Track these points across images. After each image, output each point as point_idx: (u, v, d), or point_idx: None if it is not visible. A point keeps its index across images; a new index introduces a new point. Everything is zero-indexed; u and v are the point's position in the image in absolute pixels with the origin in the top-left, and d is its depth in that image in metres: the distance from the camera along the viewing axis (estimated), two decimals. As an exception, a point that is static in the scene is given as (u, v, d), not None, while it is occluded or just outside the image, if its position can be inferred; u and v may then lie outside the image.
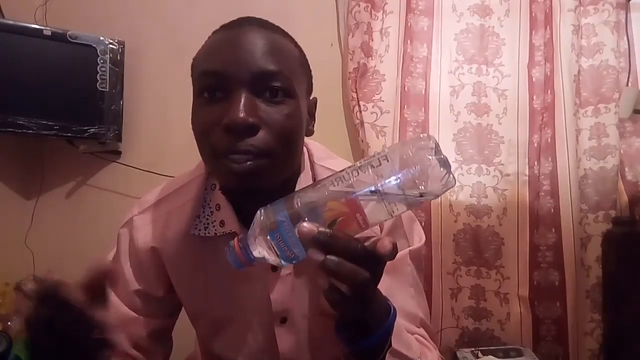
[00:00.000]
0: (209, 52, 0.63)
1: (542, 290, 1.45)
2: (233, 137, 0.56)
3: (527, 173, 1.48)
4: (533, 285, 1.46)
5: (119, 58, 1.43)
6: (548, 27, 1.48)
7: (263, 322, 0.73)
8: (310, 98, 0.70)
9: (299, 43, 0.68)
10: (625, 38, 1.47)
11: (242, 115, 0.56)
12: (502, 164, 1.49)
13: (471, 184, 1.49)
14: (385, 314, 0.56)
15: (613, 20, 1.45)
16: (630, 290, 1.34)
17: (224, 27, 0.66)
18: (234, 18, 0.68)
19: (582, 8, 1.47)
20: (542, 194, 1.45)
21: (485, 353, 1.33)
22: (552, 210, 1.44)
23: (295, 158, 0.66)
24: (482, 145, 1.50)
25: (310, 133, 0.69)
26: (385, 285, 0.54)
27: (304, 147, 0.73)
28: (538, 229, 1.46)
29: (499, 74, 1.51)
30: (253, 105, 0.58)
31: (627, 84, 1.46)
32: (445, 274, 1.49)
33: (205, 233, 0.69)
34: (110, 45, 1.41)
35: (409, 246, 0.73)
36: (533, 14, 1.51)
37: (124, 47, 1.44)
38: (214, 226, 0.69)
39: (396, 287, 0.68)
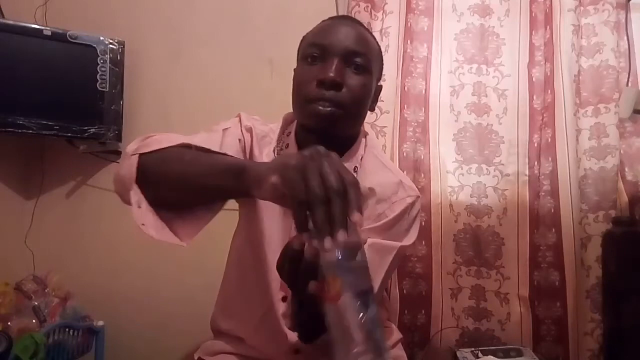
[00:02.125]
0: (319, 30, 0.87)
1: (542, 290, 1.45)
2: (323, 88, 0.79)
3: (527, 173, 1.48)
4: (533, 285, 1.46)
5: (119, 58, 1.43)
6: (548, 27, 1.48)
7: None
8: (379, 84, 0.92)
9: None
10: (625, 38, 1.47)
11: (332, 74, 0.79)
12: (502, 164, 1.49)
13: (471, 184, 1.49)
14: None
15: (613, 20, 1.45)
16: (630, 290, 1.34)
17: (329, 18, 0.91)
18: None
19: (582, 8, 1.47)
20: (542, 194, 1.45)
21: (485, 353, 1.33)
22: (552, 210, 1.44)
23: (359, 121, 0.90)
24: (482, 145, 1.50)
25: (372, 109, 0.94)
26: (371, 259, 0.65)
27: (364, 137, 0.94)
28: (538, 229, 1.46)
29: (499, 74, 1.51)
30: (342, 70, 0.81)
31: (627, 84, 1.46)
32: (446, 274, 1.49)
33: None
34: (110, 45, 1.41)
35: (402, 242, 0.85)
36: (533, 14, 1.51)
37: (124, 47, 1.43)
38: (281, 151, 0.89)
39: (376, 268, 0.79)
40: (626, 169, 1.47)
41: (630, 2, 1.48)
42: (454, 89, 1.51)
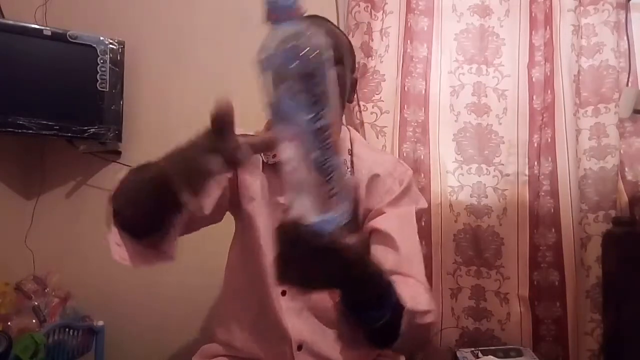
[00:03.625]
0: None
1: (542, 290, 1.45)
2: None
3: (527, 173, 1.48)
4: (533, 285, 1.46)
5: (119, 58, 1.42)
6: (548, 27, 1.48)
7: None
8: (354, 76, 0.95)
9: None
10: (625, 38, 1.47)
11: None
12: (502, 164, 1.49)
13: (471, 184, 1.49)
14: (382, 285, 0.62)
15: (613, 20, 1.45)
16: (630, 290, 1.34)
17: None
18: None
19: (582, 8, 1.47)
20: (542, 194, 1.45)
21: (485, 353, 1.33)
22: (552, 210, 1.44)
23: (337, 113, 0.89)
24: (482, 145, 1.50)
25: (350, 101, 0.96)
26: (394, 225, 0.82)
27: (349, 131, 0.98)
28: (538, 229, 1.46)
29: (499, 74, 1.51)
30: None
31: (627, 84, 1.46)
32: (445, 274, 1.49)
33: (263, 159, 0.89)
34: (110, 45, 1.41)
35: (418, 206, 0.92)
36: (533, 14, 1.51)
37: (124, 47, 1.43)
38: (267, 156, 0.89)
39: (404, 231, 0.85)
40: (626, 169, 1.47)
41: (630, 2, 1.48)
42: (454, 89, 1.51)
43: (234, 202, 0.89)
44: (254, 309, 0.88)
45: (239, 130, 0.86)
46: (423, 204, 0.95)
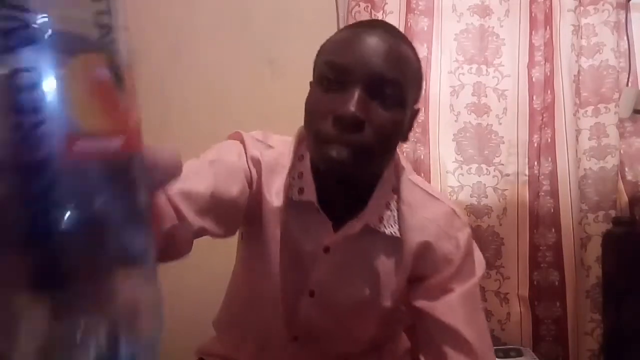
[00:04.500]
0: (337, 44, 0.67)
1: (542, 290, 1.45)
2: (340, 128, 0.61)
3: (527, 173, 1.48)
4: (533, 285, 1.46)
5: (119, 58, 1.42)
6: (548, 27, 1.48)
7: (290, 290, 0.76)
8: (415, 107, 0.73)
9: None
10: (625, 38, 1.47)
11: (352, 109, 0.60)
12: (502, 164, 1.49)
13: (471, 184, 1.49)
14: None
15: (613, 20, 1.45)
16: (630, 290, 1.34)
17: (356, 25, 0.72)
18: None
19: (582, 8, 1.47)
20: (542, 194, 1.45)
21: (485, 353, 1.33)
22: (552, 210, 1.44)
23: (387, 158, 0.72)
24: (482, 145, 1.50)
25: (405, 140, 0.74)
26: (462, 317, 0.70)
27: (395, 164, 0.77)
28: (538, 229, 1.46)
29: (499, 74, 1.51)
30: (365, 103, 0.61)
31: (627, 84, 1.46)
32: (445, 274, 1.49)
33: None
34: (110, 45, 1.41)
35: (477, 274, 0.77)
36: (533, 14, 1.51)
37: (124, 47, 1.43)
38: (293, 191, 0.74)
39: (472, 316, 0.74)
40: (626, 169, 1.47)
41: (630, 2, 1.48)
42: (454, 89, 1.51)
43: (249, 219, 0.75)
44: (256, 340, 0.84)
45: (257, 142, 0.76)
46: (483, 267, 0.79)
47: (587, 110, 1.47)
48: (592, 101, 1.47)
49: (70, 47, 0.19)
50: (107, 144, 0.21)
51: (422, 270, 0.75)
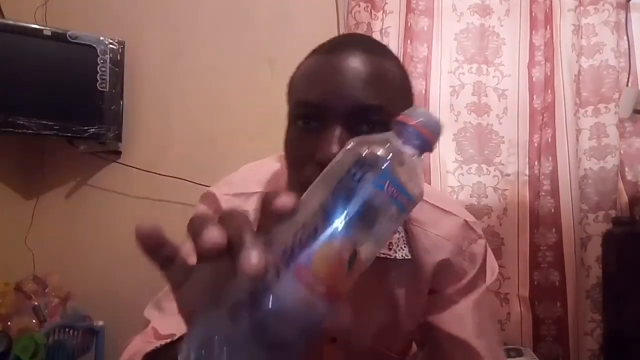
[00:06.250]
0: (307, 79, 0.59)
1: (542, 290, 1.45)
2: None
3: (527, 173, 1.48)
4: (533, 285, 1.46)
5: (119, 58, 1.42)
6: (548, 27, 1.48)
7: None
8: None
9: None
10: (625, 38, 1.47)
11: (335, 151, 0.50)
12: (502, 164, 1.49)
13: (471, 184, 1.49)
14: None
15: (613, 20, 1.45)
16: (630, 290, 1.34)
17: (325, 50, 0.60)
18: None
19: (582, 8, 1.47)
20: (542, 194, 1.45)
21: (485, 353, 1.33)
22: (552, 210, 1.44)
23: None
24: (482, 145, 1.50)
25: None
26: (471, 328, 0.67)
27: None
28: (538, 229, 1.45)
29: (499, 73, 1.51)
30: (347, 138, 0.53)
31: (627, 84, 1.46)
32: (446, 274, 1.49)
33: None
34: (110, 45, 1.41)
35: (487, 282, 0.75)
36: (533, 14, 1.51)
37: (124, 47, 1.43)
38: None
39: (482, 323, 0.71)
40: (626, 169, 1.47)
41: (630, 2, 1.48)
42: (454, 89, 1.51)
43: None
44: None
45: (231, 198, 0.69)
46: (495, 273, 0.77)
47: (587, 110, 1.47)
48: (592, 101, 1.47)
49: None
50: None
51: (436, 285, 0.71)
